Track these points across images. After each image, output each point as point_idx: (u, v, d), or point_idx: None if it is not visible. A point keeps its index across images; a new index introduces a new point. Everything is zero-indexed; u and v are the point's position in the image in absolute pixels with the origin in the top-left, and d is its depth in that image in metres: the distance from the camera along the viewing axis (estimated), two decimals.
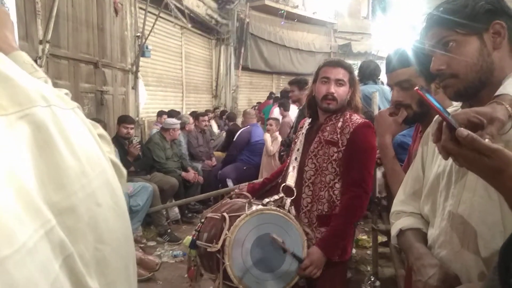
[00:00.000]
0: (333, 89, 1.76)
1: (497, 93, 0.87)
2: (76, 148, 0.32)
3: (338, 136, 1.74)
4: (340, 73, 1.78)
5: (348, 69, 1.81)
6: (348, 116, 1.79)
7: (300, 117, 3.78)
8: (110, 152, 0.53)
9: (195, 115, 6.20)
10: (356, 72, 2.05)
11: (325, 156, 1.76)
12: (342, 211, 1.73)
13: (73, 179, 0.31)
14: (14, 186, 0.26)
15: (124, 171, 0.58)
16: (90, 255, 0.31)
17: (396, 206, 1.21)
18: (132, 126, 4.41)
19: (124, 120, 4.40)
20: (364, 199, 1.74)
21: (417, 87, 0.80)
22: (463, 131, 0.71)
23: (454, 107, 1.07)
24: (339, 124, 1.77)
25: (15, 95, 0.28)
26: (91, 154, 0.34)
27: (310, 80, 1.93)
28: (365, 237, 3.93)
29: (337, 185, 1.76)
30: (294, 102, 4.18)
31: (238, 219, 1.65)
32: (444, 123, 0.75)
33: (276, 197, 1.79)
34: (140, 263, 3.29)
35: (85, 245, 0.31)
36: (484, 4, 0.92)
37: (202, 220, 1.86)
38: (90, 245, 0.31)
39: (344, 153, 1.73)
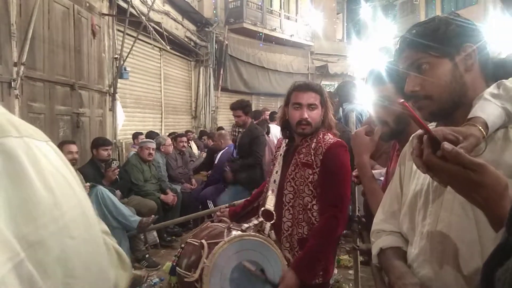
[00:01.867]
0: (306, 114, 1.76)
1: (469, 115, 0.89)
2: (49, 180, 0.31)
3: (312, 157, 1.74)
4: (311, 97, 1.78)
5: (319, 91, 1.81)
6: (321, 136, 1.79)
7: (243, 138, 3.98)
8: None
9: (173, 136, 6.14)
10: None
11: (302, 178, 1.75)
12: (316, 232, 1.70)
13: (44, 211, 0.29)
14: None
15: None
16: None
17: (376, 225, 1.21)
18: (110, 147, 4.32)
19: (102, 143, 4.27)
20: (340, 219, 1.71)
21: (402, 100, 0.80)
22: (448, 145, 0.71)
23: (430, 126, 1.10)
24: (313, 145, 1.77)
25: None
26: (65, 186, 0.33)
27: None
28: (346, 256, 3.92)
29: (315, 207, 1.74)
30: (239, 126, 4.26)
31: (217, 246, 1.59)
32: (425, 137, 0.75)
33: (255, 221, 1.75)
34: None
35: (54, 280, 0.30)
36: (455, 28, 0.94)
37: (182, 246, 1.80)
38: (59, 280, 0.30)
39: (319, 174, 1.73)
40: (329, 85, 12.94)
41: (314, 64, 14.09)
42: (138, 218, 3.84)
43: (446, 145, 0.71)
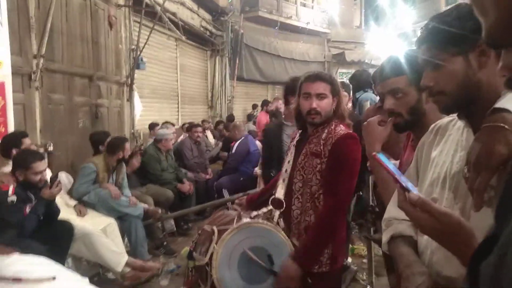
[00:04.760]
0: (315, 104, 1.77)
1: (497, 105, 0.88)
2: None
3: (321, 147, 1.75)
4: (321, 87, 1.78)
5: (329, 81, 1.81)
6: (333, 127, 1.79)
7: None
8: None
9: (188, 126, 6.21)
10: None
11: (310, 167, 1.77)
12: (316, 221, 1.73)
13: None
14: None
15: None
16: None
17: (388, 212, 1.22)
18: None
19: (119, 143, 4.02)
20: (339, 208, 1.74)
21: (374, 153, 0.84)
22: (414, 195, 0.74)
23: (451, 117, 1.09)
24: (323, 135, 1.78)
25: None
26: None
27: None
28: (361, 245, 3.92)
29: (322, 196, 1.76)
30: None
31: (226, 232, 1.67)
32: (398, 185, 0.78)
33: (264, 210, 1.79)
34: (142, 269, 3.41)
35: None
36: (471, 25, 0.91)
37: (199, 232, 1.88)
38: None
39: (326, 164, 1.74)
40: (345, 73, 12.76)
41: (330, 52, 13.90)
42: (140, 206, 3.96)
43: (412, 195, 0.75)
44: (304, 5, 13.20)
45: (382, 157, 0.83)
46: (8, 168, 2.98)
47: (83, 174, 3.73)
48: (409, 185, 0.78)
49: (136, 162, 4.48)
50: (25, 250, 2.09)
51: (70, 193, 3.76)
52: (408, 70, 1.35)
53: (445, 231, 0.74)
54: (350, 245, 3.67)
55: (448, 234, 0.74)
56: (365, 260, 3.41)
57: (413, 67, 1.30)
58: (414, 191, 0.78)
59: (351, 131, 1.80)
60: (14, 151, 2.95)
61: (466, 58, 0.94)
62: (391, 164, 0.82)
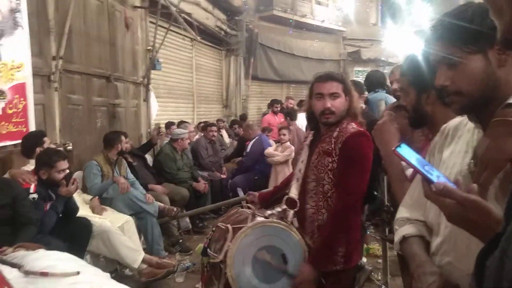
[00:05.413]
0: (328, 104, 1.77)
1: (510, 100, 0.86)
2: None
3: (333, 146, 1.75)
4: (333, 86, 1.79)
5: (340, 80, 1.82)
6: (344, 126, 1.79)
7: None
8: None
9: (203, 125, 6.26)
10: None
11: (323, 166, 1.77)
12: (330, 221, 1.73)
13: None
14: None
15: None
16: None
17: (401, 212, 1.21)
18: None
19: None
20: (352, 206, 1.74)
21: (394, 148, 0.80)
22: (439, 184, 0.74)
23: (462, 117, 1.08)
24: (335, 134, 1.78)
25: None
26: None
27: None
28: (376, 245, 3.89)
29: (335, 195, 1.76)
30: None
31: (240, 231, 1.68)
32: (422, 177, 0.78)
33: (279, 209, 1.81)
34: (158, 266, 3.46)
35: None
36: (490, 21, 0.85)
37: (213, 229, 1.91)
38: None
39: (337, 162, 1.74)
40: (362, 71, 12.63)
41: (346, 50, 13.77)
42: (156, 203, 4.05)
43: (437, 184, 0.74)
44: (319, 3, 13.10)
45: (403, 150, 0.80)
46: (28, 167, 3.07)
47: (90, 172, 3.84)
48: (434, 174, 0.77)
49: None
50: (46, 246, 2.16)
51: (85, 190, 3.86)
52: (425, 69, 1.34)
53: (472, 218, 0.72)
54: (365, 245, 3.65)
55: (476, 220, 0.72)
56: (380, 260, 3.39)
57: (429, 66, 1.30)
58: (441, 178, 0.76)
59: (362, 129, 1.79)
60: (38, 150, 3.04)
61: (485, 55, 0.91)
62: (415, 155, 0.79)
